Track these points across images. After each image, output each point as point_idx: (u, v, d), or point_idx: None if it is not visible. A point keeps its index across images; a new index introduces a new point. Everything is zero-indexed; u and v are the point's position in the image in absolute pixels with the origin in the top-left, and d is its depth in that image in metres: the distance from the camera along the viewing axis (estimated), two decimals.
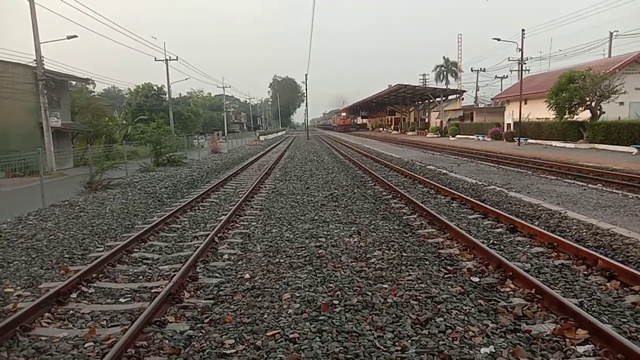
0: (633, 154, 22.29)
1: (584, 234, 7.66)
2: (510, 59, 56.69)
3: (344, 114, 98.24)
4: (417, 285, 5.52)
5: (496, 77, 66.46)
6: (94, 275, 6.37)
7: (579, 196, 10.97)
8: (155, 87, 53.89)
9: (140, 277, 6.50)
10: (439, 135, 52.11)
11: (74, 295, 5.72)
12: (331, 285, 5.59)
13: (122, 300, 5.64)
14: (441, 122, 55.38)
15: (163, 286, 5.82)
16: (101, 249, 7.99)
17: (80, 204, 11.61)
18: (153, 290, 5.85)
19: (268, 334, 4.38)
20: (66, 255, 7.44)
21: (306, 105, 75.70)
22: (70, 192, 13.77)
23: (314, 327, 4.48)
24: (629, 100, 31.22)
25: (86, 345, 4.41)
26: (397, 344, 4.12)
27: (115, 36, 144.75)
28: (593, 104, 27.98)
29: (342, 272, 6.07)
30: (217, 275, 6.35)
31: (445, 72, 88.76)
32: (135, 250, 7.76)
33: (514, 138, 34.26)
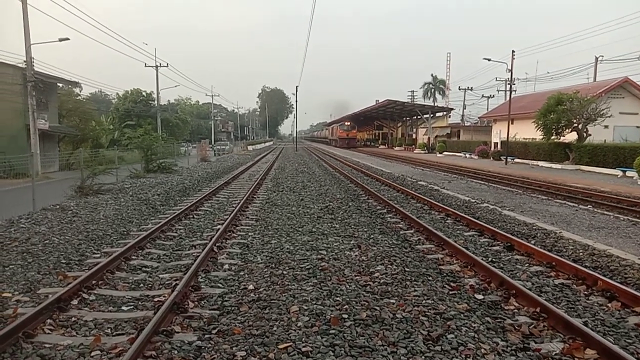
0: (618, 176, 22.71)
1: (581, 254, 7.76)
2: (498, 79, 58.02)
3: (347, 123, 74.86)
4: (424, 301, 5.52)
5: (483, 96, 67.62)
6: (93, 281, 6.26)
7: (572, 217, 11.13)
8: (144, 93, 53.57)
9: (141, 285, 6.41)
10: (427, 152, 52.53)
11: (74, 302, 5.60)
12: (338, 299, 5.57)
13: (124, 308, 5.54)
14: (429, 138, 55.86)
15: (165, 295, 5.76)
16: (98, 255, 7.85)
17: (72, 209, 11.41)
18: (155, 299, 5.76)
19: (280, 346, 4.33)
20: (63, 261, 7.30)
21: (295, 117, 75.05)
22: (59, 196, 13.54)
23: (325, 340, 4.45)
24: (613, 124, 31.92)
25: (93, 353, 4.31)
26: None
27: (105, 39, 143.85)
28: (580, 126, 28.50)
29: (348, 286, 6.05)
30: (220, 285, 6.29)
31: (433, 90, 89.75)
32: (134, 257, 7.65)
33: (501, 157, 34.70)
